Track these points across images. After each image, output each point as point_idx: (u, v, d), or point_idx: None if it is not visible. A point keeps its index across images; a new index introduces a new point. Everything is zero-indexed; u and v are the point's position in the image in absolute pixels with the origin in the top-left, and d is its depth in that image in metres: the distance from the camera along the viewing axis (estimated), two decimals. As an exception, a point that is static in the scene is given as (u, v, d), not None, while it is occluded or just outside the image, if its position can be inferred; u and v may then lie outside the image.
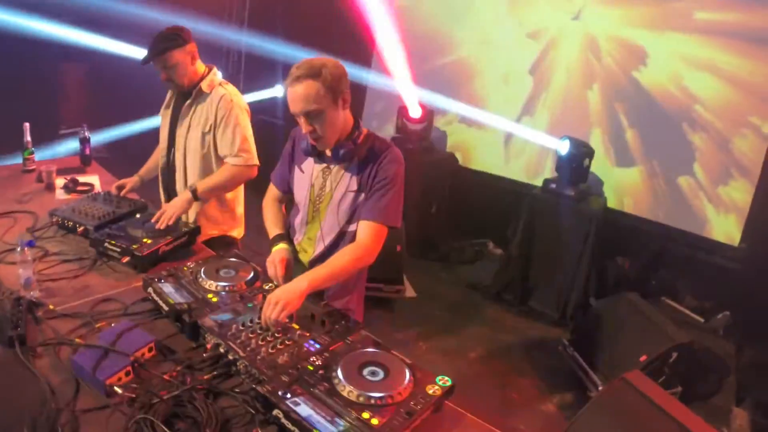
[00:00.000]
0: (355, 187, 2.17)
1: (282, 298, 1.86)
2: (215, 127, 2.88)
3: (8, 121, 4.09)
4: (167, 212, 2.68)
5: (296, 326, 1.89)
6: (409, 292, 4.83)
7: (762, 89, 4.25)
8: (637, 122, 4.84)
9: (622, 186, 4.94)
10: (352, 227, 2.21)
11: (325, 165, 2.24)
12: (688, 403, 2.35)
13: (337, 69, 2.02)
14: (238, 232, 3.21)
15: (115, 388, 1.63)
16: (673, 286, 4.60)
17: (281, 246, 2.28)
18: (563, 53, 5.16)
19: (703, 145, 4.51)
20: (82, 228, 2.67)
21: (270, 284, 2.17)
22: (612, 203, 4.93)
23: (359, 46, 6.14)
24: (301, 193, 2.33)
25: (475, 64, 5.72)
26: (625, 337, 3.59)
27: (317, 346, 1.80)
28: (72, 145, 5.24)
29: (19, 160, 3.68)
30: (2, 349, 1.83)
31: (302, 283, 1.94)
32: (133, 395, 1.61)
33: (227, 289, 2.12)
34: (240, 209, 3.20)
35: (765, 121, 4.24)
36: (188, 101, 2.92)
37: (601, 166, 4.86)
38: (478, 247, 5.76)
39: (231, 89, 2.94)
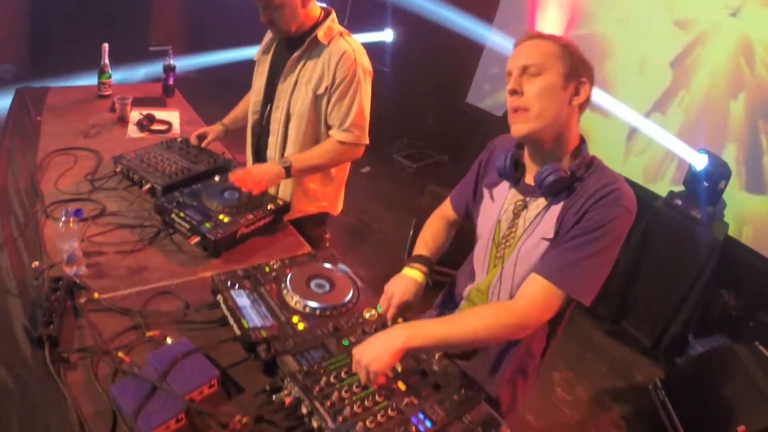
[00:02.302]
0: (551, 233, 1.52)
1: (365, 357, 1.39)
2: (331, 91, 2.35)
3: (96, 36, 3.76)
4: (254, 175, 2.22)
5: (402, 386, 1.44)
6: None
7: None
8: (781, 147, 4.16)
9: (746, 214, 4.29)
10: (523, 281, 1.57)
11: (521, 197, 1.63)
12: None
13: (582, 54, 1.51)
14: (337, 209, 2.74)
15: (162, 439, 1.24)
16: None
17: (412, 274, 1.76)
18: (712, 52, 4.46)
19: None
20: (148, 186, 2.27)
21: (372, 311, 1.71)
22: (731, 230, 4.31)
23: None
24: (485, 229, 1.73)
25: (608, 43, 5.05)
26: (725, 396, 3.12)
27: (427, 424, 1.34)
28: (157, 68, 4.87)
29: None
30: (31, 350, 1.46)
31: (398, 337, 1.42)
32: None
33: (318, 312, 1.67)
34: (343, 186, 2.72)
35: None
36: (297, 52, 2.37)
37: (728, 186, 4.23)
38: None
39: (355, 44, 2.37)
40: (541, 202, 1.56)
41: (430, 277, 1.78)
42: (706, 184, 3.89)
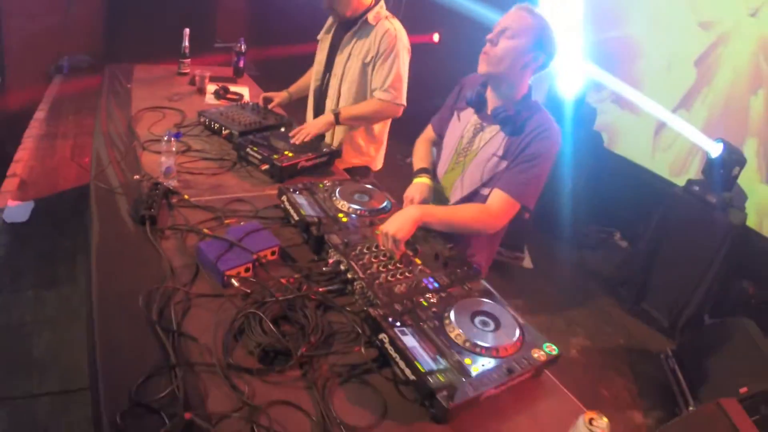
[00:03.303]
0: (501, 152, 2.10)
1: (391, 228, 1.86)
2: (375, 60, 2.86)
3: (168, 29, 4.31)
4: (306, 128, 2.75)
5: (419, 261, 1.87)
6: (527, 263, 4.75)
7: None
8: (798, 141, 4.42)
9: (766, 205, 4.55)
10: (485, 191, 2.14)
11: (480, 121, 2.19)
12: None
13: (552, 34, 2.01)
14: (377, 165, 3.24)
15: (233, 281, 1.70)
16: None
17: (422, 180, 2.27)
18: (733, 50, 4.74)
19: None
20: (227, 131, 2.78)
21: None
22: (751, 222, 4.54)
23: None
24: (450, 140, 2.30)
25: (640, 44, 5.37)
26: (731, 363, 3.38)
27: (435, 285, 1.78)
28: (225, 60, 5.44)
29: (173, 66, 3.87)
30: (134, 226, 1.95)
31: (414, 212, 1.94)
32: (248, 291, 1.66)
33: (359, 212, 2.14)
34: (384, 143, 3.22)
35: None
36: (352, 30, 2.91)
37: (749, 179, 4.48)
38: (605, 235, 5.55)
39: (397, 25, 2.90)
40: (495, 128, 2.13)
41: (433, 178, 2.32)
42: (721, 170, 4.15)
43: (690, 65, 5.00)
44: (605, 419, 1.31)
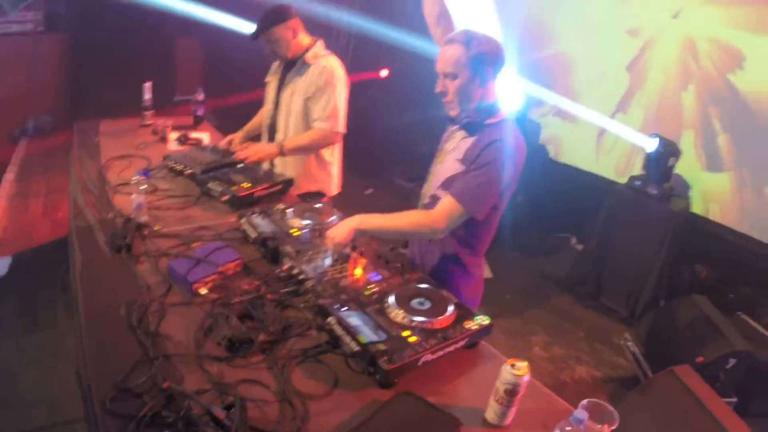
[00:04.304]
0: (461, 156, 2.19)
1: (333, 232, 2.11)
2: (315, 94, 3.18)
3: (129, 86, 4.57)
4: (251, 149, 3.09)
5: (364, 260, 2.12)
6: (486, 272, 4.93)
7: None
8: (730, 127, 4.73)
9: (710, 192, 4.84)
10: (439, 191, 2.25)
11: (453, 128, 2.32)
12: (744, 417, 2.32)
13: (490, 48, 2.10)
14: (332, 190, 3.52)
15: (201, 290, 1.96)
16: (752, 303, 4.44)
17: None
18: (661, 52, 5.10)
19: (799, 157, 4.37)
20: (190, 171, 3.04)
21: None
22: (697, 209, 4.84)
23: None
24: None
25: (573, 58, 5.74)
26: (686, 338, 3.60)
27: (377, 277, 2.05)
28: (185, 112, 5.72)
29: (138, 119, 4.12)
30: (112, 255, 2.21)
31: (353, 221, 2.14)
32: (215, 296, 1.92)
33: (309, 227, 2.39)
34: (336, 169, 3.51)
35: None
36: (293, 70, 3.25)
37: (689, 169, 4.80)
38: (559, 241, 5.82)
39: (333, 62, 3.23)
40: (461, 134, 2.24)
41: None
42: (659, 163, 4.48)
43: (622, 71, 5.36)
44: (525, 362, 1.54)
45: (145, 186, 2.51)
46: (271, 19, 3.10)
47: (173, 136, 3.82)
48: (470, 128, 2.20)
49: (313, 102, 3.19)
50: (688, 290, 4.53)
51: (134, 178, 2.49)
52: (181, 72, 7.35)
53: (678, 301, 3.99)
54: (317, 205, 2.63)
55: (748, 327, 4.00)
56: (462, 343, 1.80)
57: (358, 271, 2.05)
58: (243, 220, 2.42)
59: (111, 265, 2.15)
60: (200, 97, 4.23)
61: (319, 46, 3.27)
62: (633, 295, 4.60)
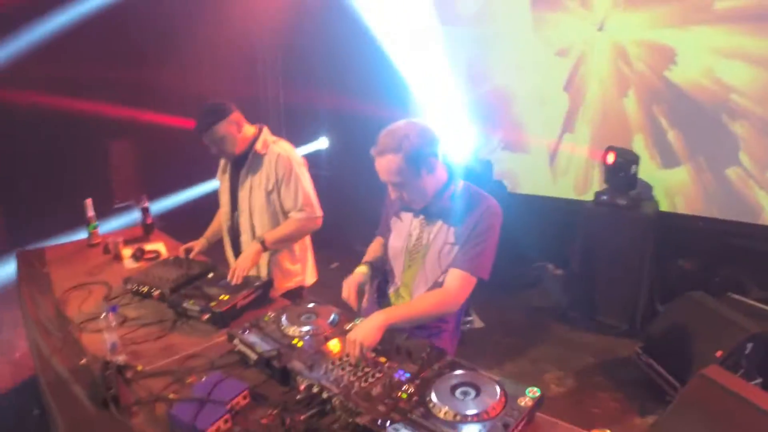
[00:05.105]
0: (452, 239, 2.22)
1: (359, 336, 1.92)
2: (278, 186, 2.98)
3: (67, 199, 4.28)
4: (239, 266, 2.77)
5: (383, 359, 1.92)
6: (477, 323, 4.83)
7: (798, 65, 4.18)
8: (677, 122, 4.81)
9: (672, 187, 4.89)
10: (442, 277, 2.25)
11: (423, 217, 2.31)
12: (774, 393, 2.33)
13: (419, 138, 2.09)
14: (309, 280, 3.30)
15: (216, 438, 1.68)
16: (737, 280, 4.54)
17: (359, 269, 2.39)
18: (594, 65, 5.17)
19: (745, 133, 4.47)
20: (158, 292, 2.76)
21: (352, 323, 2.20)
22: (664, 206, 4.86)
23: (396, 87, 6.19)
24: (398, 241, 2.39)
25: (510, 90, 5.75)
26: (697, 336, 3.55)
27: (407, 375, 1.83)
28: (128, 218, 5.42)
29: (81, 236, 3.82)
30: (98, 411, 1.90)
31: (379, 318, 2.00)
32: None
33: (311, 333, 2.16)
34: (310, 258, 3.31)
35: (806, 97, 4.18)
36: (245, 165, 3.04)
37: (648, 170, 4.82)
38: (538, 271, 5.72)
39: (285, 146, 3.06)
40: (438, 221, 2.26)
41: (372, 269, 2.45)
42: (620, 174, 4.47)
43: (561, 92, 5.39)
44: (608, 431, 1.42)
45: (115, 322, 2.23)
46: (212, 118, 2.89)
47: (127, 252, 3.53)
48: (448, 214, 2.23)
49: (279, 195, 3.01)
50: (678, 287, 4.50)
51: (102, 315, 2.20)
52: (117, 177, 7.06)
53: (677, 303, 3.93)
54: (310, 305, 2.39)
55: (745, 305, 4.06)
56: (522, 424, 1.61)
57: (386, 373, 1.83)
58: (236, 341, 2.16)
59: (101, 425, 1.86)
60: (145, 203, 3.95)
61: (266, 133, 3.08)
62: (629, 307, 4.54)
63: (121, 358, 2.19)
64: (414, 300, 2.24)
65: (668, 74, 4.77)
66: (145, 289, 2.81)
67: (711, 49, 4.53)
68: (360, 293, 2.31)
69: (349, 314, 2.29)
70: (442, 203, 2.21)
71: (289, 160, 2.97)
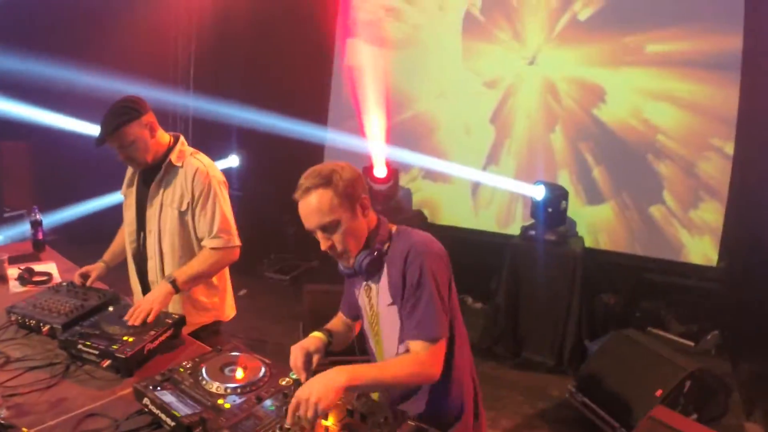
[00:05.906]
0: (389, 300, 1.88)
1: (314, 393, 1.54)
2: (193, 206, 2.58)
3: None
4: (143, 307, 2.32)
5: (332, 425, 1.60)
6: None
7: (720, 111, 4.36)
8: (602, 159, 4.86)
9: (596, 223, 4.94)
10: (402, 348, 1.87)
11: (366, 284, 1.97)
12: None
13: (349, 173, 1.82)
14: (227, 314, 2.89)
15: None
16: (657, 315, 4.70)
17: (314, 333, 2.01)
18: (523, 99, 5.15)
19: (669, 173, 4.59)
20: (47, 327, 2.30)
21: (287, 379, 1.86)
22: (588, 242, 4.88)
23: (314, 103, 6.00)
24: (363, 316, 2.06)
25: (434, 117, 5.64)
26: (634, 373, 3.51)
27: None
28: (17, 230, 4.80)
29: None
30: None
31: (340, 377, 1.61)
32: None
33: (239, 391, 1.80)
34: (229, 291, 2.90)
35: (726, 142, 4.37)
36: (157, 178, 2.60)
37: (572, 206, 4.81)
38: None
39: (205, 160, 2.66)
40: (376, 281, 1.92)
41: (330, 337, 2.02)
42: (550, 209, 4.41)
43: (486, 124, 5.32)
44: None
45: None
46: (123, 118, 2.44)
47: (13, 273, 3.04)
48: (375, 270, 1.89)
49: (194, 216, 2.59)
50: (604, 322, 4.62)
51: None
52: (8, 183, 6.32)
53: (610, 340, 3.87)
54: (233, 353, 2.01)
55: (664, 340, 4.21)
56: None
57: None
58: (146, 401, 1.76)
59: None
60: (37, 216, 3.46)
61: (184, 143, 2.68)
62: (556, 343, 4.46)
63: (1, 413, 1.77)
64: (387, 362, 1.87)
65: (597, 112, 4.81)
66: (32, 322, 2.35)
67: (640, 90, 4.63)
68: (308, 363, 1.88)
69: (282, 366, 1.94)
70: (368, 259, 1.85)
71: (208, 177, 2.57)
